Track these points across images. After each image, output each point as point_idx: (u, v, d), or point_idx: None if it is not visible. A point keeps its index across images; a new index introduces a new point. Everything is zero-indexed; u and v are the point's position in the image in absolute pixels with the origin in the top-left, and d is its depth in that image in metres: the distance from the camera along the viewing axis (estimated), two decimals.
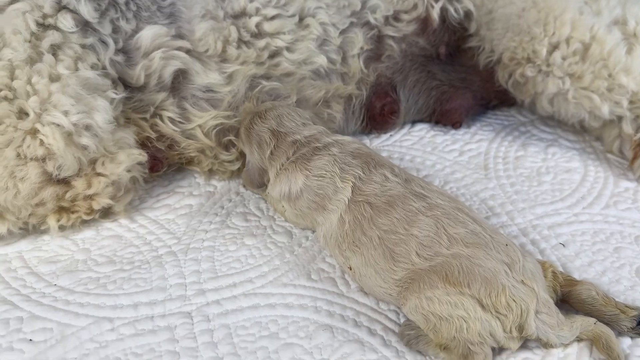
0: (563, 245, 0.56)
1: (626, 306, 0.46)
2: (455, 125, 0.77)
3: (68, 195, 0.56)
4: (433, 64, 0.76)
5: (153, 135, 0.63)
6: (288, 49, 0.67)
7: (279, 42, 0.66)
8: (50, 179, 0.54)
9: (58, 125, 0.54)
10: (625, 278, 0.52)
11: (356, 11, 0.69)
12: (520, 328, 0.42)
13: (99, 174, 0.57)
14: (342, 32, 0.69)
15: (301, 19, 0.67)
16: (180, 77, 0.64)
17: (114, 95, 0.59)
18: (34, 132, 0.53)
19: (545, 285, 0.45)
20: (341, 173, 0.51)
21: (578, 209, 0.62)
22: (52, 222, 0.56)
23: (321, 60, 0.68)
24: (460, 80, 0.77)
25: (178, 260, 0.55)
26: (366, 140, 0.76)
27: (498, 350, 0.45)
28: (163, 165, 0.66)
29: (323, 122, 0.70)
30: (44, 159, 0.53)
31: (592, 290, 0.47)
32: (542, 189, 0.65)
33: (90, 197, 0.57)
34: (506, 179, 0.67)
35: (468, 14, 0.74)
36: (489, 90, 0.77)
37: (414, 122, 0.79)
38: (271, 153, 0.55)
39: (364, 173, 0.50)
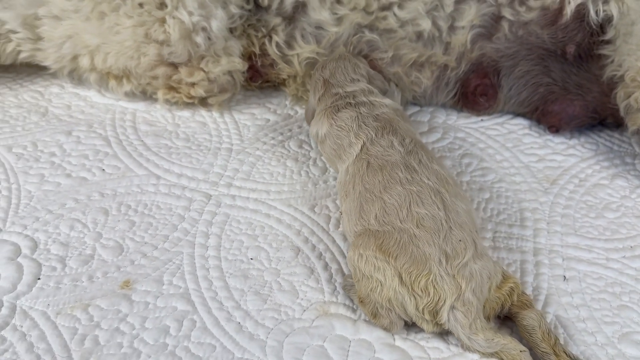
0: (565, 278, 0.54)
1: (564, 352, 0.45)
2: (552, 129, 0.72)
3: (174, 77, 0.71)
4: (554, 60, 0.71)
5: (258, 52, 0.74)
6: (399, 5, 0.70)
7: None
8: (163, 61, 0.69)
9: (181, 21, 0.67)
10: (604, 335, 0.49)
11: None
12: (434, 314, 0.45)
13: (200, 69, 0.70)
14: (457, 1, 0.69)
15: None
16: (300, 8, 0.72)
17: (234, 11, 0.70)
18: (162, 21, 0.68)
19: (482, 291, 0.45)
20: (357, 130, 0.55)
21: (616, 255, 0.56)
22: (161, 95, 0.72)
23: (426, 25, 0.70)
24: (576, 85, 0.71)
25: (230, 157, 0.67)
26: (453, 117, 0.76)
27: (417, 328, 0.48)
28: (261, 77, 0.77)
29: (409, 83, 0.73)
30: (162, 43, 0.68)
31: (536, 320, 0.46)
32: (595, 222, 0.60)
33: (190, 85, 0.71)
34: (564, 200, 0.63)
35: (610, 19, 0.67)
36: (605, 105, 0.70)
37: (517, 115, 0.77)
38: (319, 99, 0.62)
39: (375, 135, 0.54)
